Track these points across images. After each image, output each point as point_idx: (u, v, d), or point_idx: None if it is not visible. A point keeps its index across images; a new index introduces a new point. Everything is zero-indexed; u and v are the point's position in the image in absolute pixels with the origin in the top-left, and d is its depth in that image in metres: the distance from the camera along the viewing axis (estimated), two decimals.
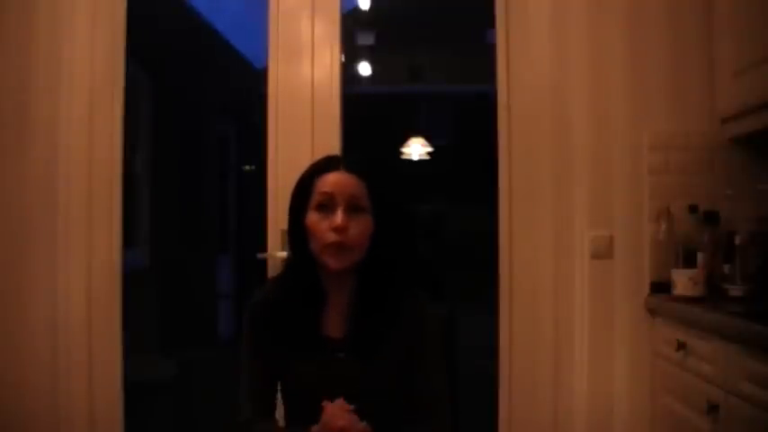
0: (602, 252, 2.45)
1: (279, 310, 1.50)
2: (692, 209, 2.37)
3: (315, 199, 1.46)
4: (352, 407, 1.37)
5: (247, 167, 7.84)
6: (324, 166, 1.51)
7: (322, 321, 1.50)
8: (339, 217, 1.43)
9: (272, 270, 2.55)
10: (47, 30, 2.51)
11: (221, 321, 6.94)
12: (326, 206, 1.45)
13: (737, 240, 2.19)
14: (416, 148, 7.04)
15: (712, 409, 1.85)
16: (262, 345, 1.50)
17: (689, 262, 2.28)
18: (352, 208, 1.45)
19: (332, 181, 1.47)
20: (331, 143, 2.59)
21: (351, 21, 5.54)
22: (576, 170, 2.47)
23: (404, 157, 7.00)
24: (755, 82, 2.13)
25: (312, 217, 1.46)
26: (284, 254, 2.51)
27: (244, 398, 1.50)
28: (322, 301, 1.50)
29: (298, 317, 1.49)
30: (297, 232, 1.50)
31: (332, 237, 1.43)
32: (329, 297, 1.51)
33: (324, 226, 1.44)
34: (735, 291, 2.14)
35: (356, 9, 5.11)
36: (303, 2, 2.64)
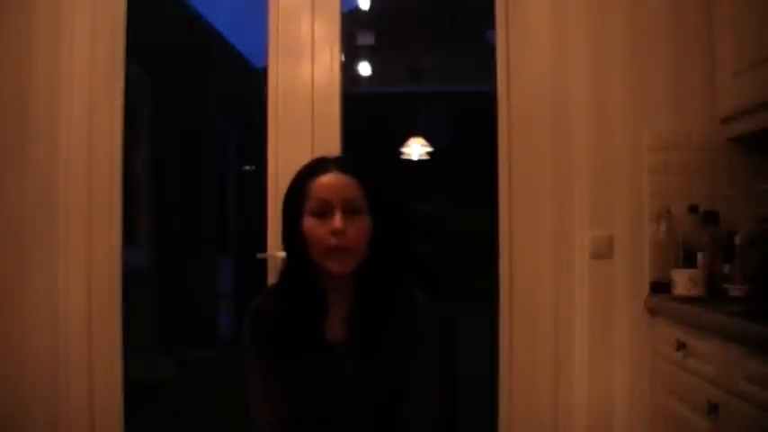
0: (602, 252, 2.45)
1: (281, 317, 1.47)
2: (692, 209, 2.37)
3: (310, 204, 1.44)
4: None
5: (247, 167, 7.83)
6: (315, 168, 1.48)
7: (323, 325, 1.48)
8: (337, 221, 1.41)
9: (272, 270, 2.55)
10: (47, 30, 2.51)
11: (221, 321, 6.92)
12: (323, 210, 1.43)
13: (737, 240, 2.19)
14: (416, 149, 7.02)
15: (712, 409, 1.85)
16: (266, 352, 1.48)
17: (689, 262, 2.29)
18: (350, 210, 1.43)
19: (326, 184, 1.44)
20: (331, 143, 2.59)
21: (351, 21, 5.54)
22: (576, 170, 2.47)
23: (404, 157, 6.99)
24: (755, 82, 2.13)
25: (309, 222, 1.43)
26: (284, 254, 2.50)
27: (256, 401, 1.48)
28: (323, 305, 1.48)
29: (301, 324, 1.46)
30: (293, 237, 1.47)
31: (332, 241, 1.41)
32: (329, 300, 1.49)
33: (322, 230, 1.42)
34: (735, 291, 2.14)
35: (356, 9, 5.11)
36: (303, 2, 2.64)
